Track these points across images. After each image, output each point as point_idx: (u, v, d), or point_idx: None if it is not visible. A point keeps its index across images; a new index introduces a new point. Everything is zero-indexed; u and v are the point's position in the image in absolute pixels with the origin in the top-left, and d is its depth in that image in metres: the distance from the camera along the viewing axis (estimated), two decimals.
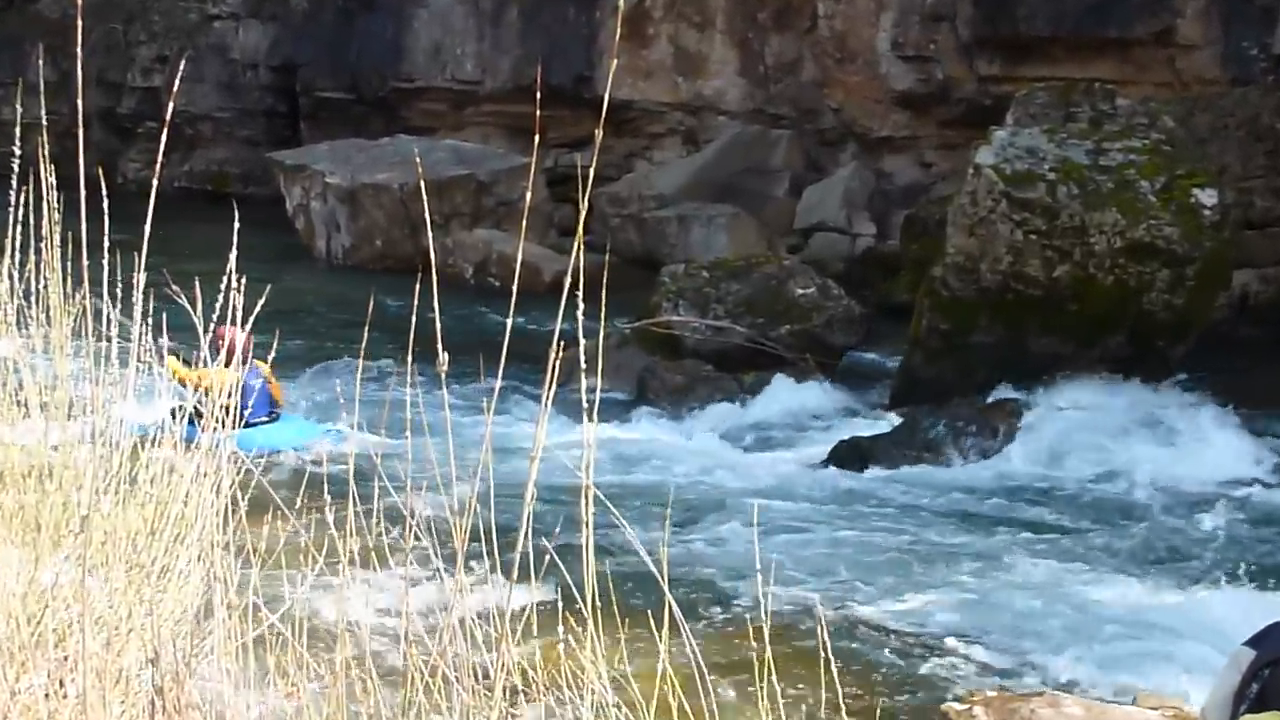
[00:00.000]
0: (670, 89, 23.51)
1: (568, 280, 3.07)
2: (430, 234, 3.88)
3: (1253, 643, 2.38)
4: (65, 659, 3.80)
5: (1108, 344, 13.54)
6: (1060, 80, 16.66)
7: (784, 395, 14.32)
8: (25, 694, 3.61)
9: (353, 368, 4.38)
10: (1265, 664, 2.26)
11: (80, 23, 4.64)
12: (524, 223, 3.93)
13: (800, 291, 15.57)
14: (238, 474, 4.06)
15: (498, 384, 3.20)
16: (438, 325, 3.31)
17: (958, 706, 5.85)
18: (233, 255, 3.92)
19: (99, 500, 4.11)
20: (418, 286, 3.63)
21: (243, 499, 4.11)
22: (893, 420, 13.53)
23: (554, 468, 3.50)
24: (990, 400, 13.39)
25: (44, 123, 4.64)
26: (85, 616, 3.44)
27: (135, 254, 4.08)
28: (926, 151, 21.30)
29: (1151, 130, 14.15)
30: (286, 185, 23.08)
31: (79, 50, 4.48)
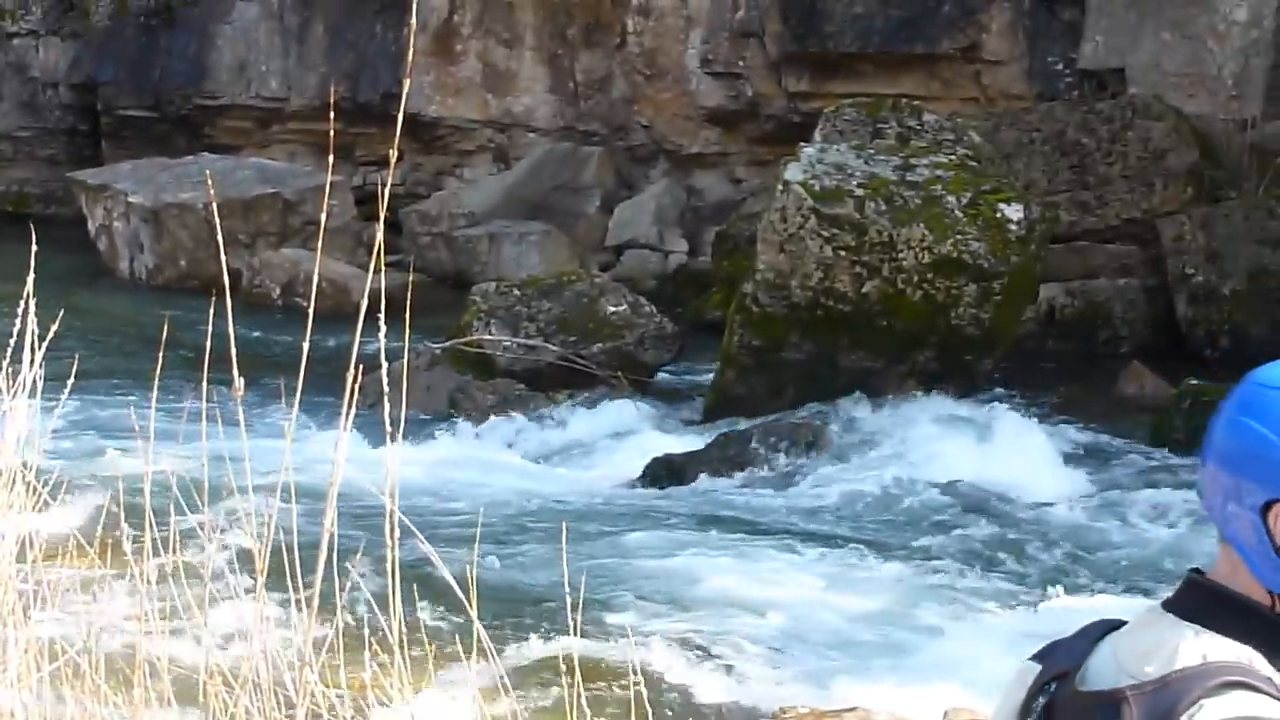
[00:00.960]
0: (480, 106, 23.08)
1: (363, 301, 3.07)
2: (224, 255, 3.85)
3: (1038, 657, 2.21)
4: None
5: (917, 359, 13.59)
6: (868, 96, 16.84)
7: (597, 413, 14.19)
8: None
9: (149, 390, 4.27)
10: (1050, 678, 2.10)
11: None
12: (320, 240, 3.97)
13: (612, 309, 15.50)
14: (34, 505, 3.98)
15: (296, 406, 3.16)
16: (233, 347, 3.25)
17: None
18: (30, 277, 3.89)
19: None
20: (212, 308, 3.66)
21: (38, 532, 4.02)
22: (706, 436, 13.35)
23: (362, 491, 3.47)
24: (801, 416, 13.29)
25: None
26: None
27: None
28: (737, 168, 21.24)
29: (958, 146, 14.37)
30: (88, 205, 22.54)
31: None
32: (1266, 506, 1.76)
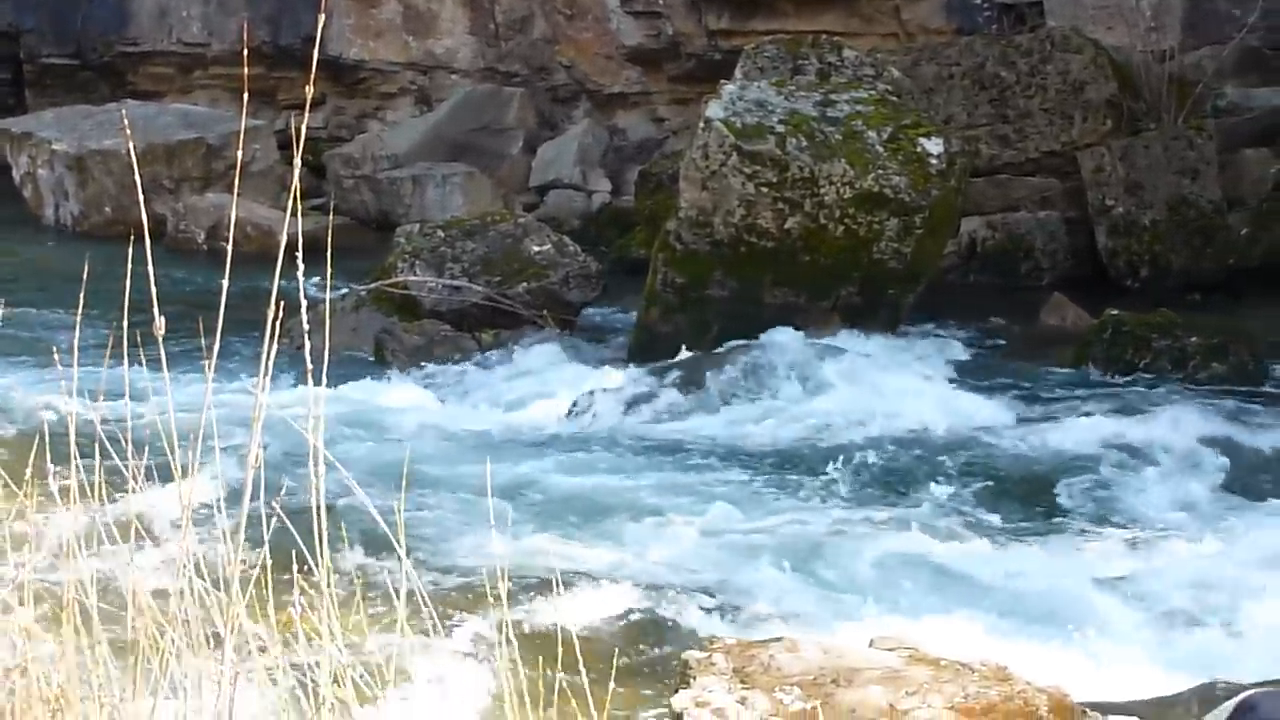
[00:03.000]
0: (401, 49, 23.07)
1: (283, 241, 3.01)
2: (144, 201, 3.63)
3: (1249, 706, 2.54)
4: None
5: (840, 294, 13.58)
6: (788, 34, 16.59)
7: (523, 353, 14.10)
8: None
9: (71, 332, 4.20)
10: None
11: None
12: (236, 183, 3.87)
13: (536, 249, 15.35)
14: None
15: (216, 345, 3.12)
16: (153, 288, 3.18)
17: (698, 655, 5.55)
18: None
19: None
20: (131, 251, 3.56)
21: None
22: (631, 374, 13.27)
23: (285, 429, 3.45)
24: (726, 350, 13.15)
25: None
26: None
27: None
28: (659, 107, 21.29)
29: (878, 81, 14.37)
30: (12, 154, 22.31)
31: None
32: None
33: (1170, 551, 9.19)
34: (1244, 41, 16.20)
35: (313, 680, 3.26)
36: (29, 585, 3.70)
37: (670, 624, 8.01)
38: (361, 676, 3.31)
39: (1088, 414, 12.01)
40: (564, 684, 3.52)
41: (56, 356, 4.49)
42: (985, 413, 12.10)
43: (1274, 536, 9.35)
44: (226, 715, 2.97)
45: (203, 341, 3.03)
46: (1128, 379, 12.76)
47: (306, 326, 3.13)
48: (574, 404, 12.47)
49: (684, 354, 13.26)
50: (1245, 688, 5.93)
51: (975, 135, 15.66)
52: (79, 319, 4.14)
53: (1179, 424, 11.49)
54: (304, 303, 2.99)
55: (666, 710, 5.16)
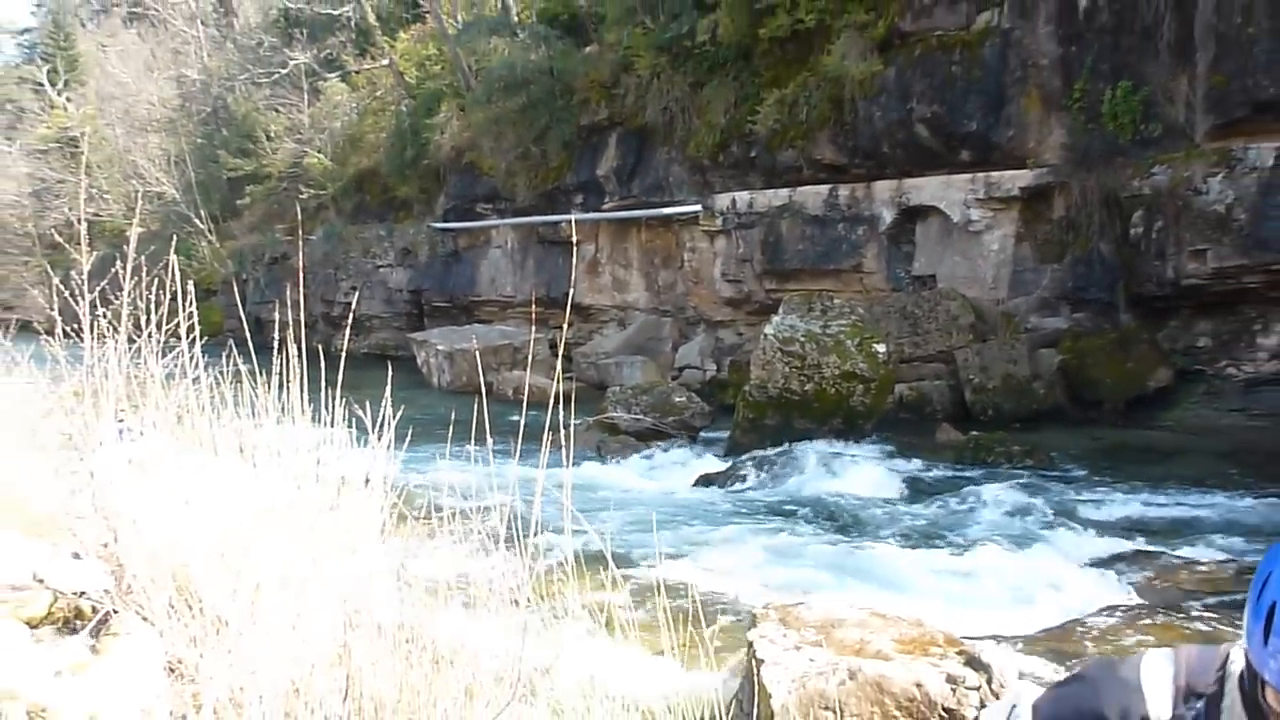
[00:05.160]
0: (610, 298, 24.85)
1: (552, 395, 3.22)
2: (482, 373, 4.40)
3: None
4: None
5: (832, 423, 14.69)
6: (807, 291, 18.12)
7: (670, 452, 15.18)
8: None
9: (445, 444, 4.10)
10: None
11: (303, 271, 4.98)
12: (529, 365, 4.03)
13: (678, 399, 16.71)
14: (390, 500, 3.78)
15: (517, 450, 3.17)
16: (486, 420, 3.35)
17: (759, 610, 5.85)
18: (387, 388, 3.72)
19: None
20: (478, 402, 3.65)
21: (394, 509, 3.85)
22: (726, 463, 14.21)
23: (552, 493, 3.42)
24: (775, 453, 14.09)
25: (289, 321, 4.13)
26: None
27: (334, 387, 3.86)
28: (741, 327, 21.86)
29: (853, 315, 15.37)
30: (417, 349, 24.90)
31: (300, 281, 4.74)
32: None
33: (1001, 556, 9.84)
34: (1039, 294, 17.38)
35: (564, 614, 3.27)
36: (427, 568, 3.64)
37: (745, 595, 8.59)
38: (587, 610, 3.34)
39: (958, 483, 12.89)
40: (691, 623, 3.44)
41: (437, 458, 4.36)
42: (906, 484, 13.10)
43: (1061, 549, 10.10)
44: (520, 633, 2.82)
45: (516, 444, 3.20)
46: (982, 468, 13.77)
47: (565, 440, 3.16)
48: (697, 479, 13.63)
49: (753, 453, 14.29)
50: (1036, 636, 7.56)
51: (901, 342, 16.72)
52: (450, 435, 3.98)
53: (1005, 491, 12.42)
54: (562, 427, 3.13)
55: (745, 640, 5.40)
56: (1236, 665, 1.52)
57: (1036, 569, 9.36)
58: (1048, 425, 15.82)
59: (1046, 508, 11.81)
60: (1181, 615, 8.66)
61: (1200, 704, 1.49)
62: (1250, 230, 14.87)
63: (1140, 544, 10.38)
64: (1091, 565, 9.52)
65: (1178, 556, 10.12)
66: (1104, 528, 10.42)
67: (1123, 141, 16.15)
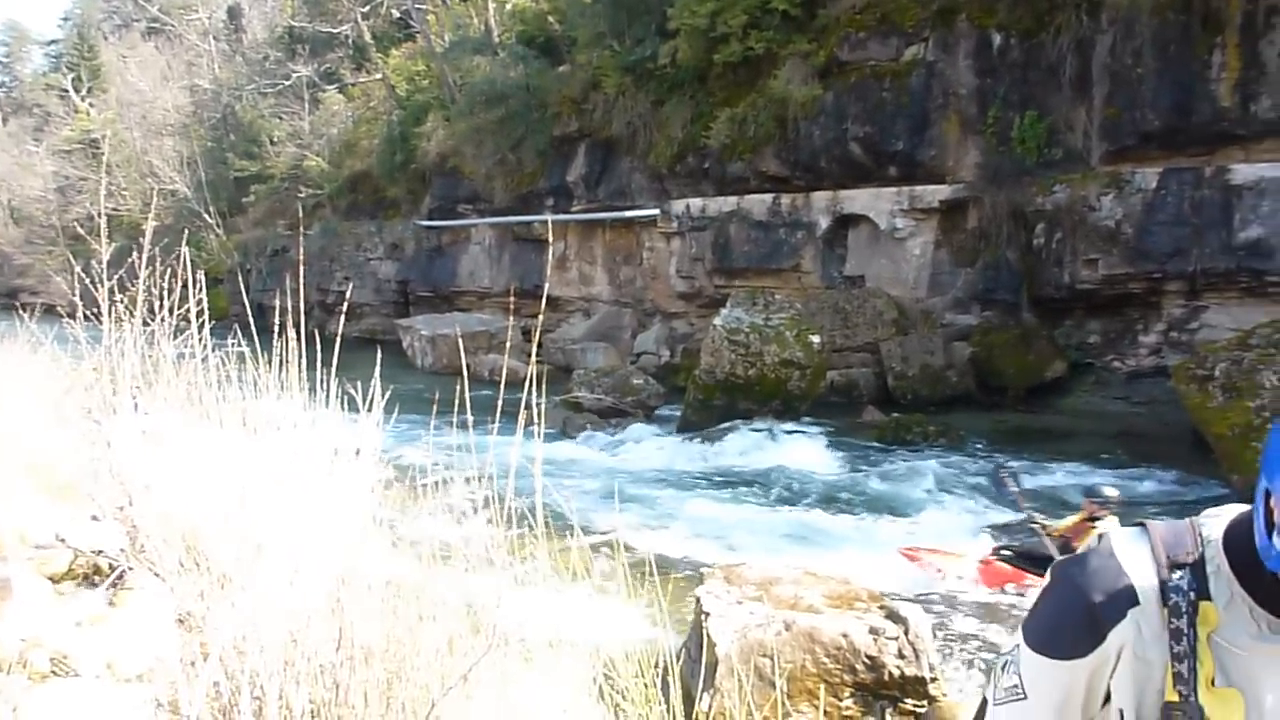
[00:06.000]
0: (577, 290, 24.56)
1: (527, 376, 3.14)
2: (463, 356, 3.65)
3: None
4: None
5: (772, 405, 14.64)
6: (752, 287, 18.03)
7: (629, 429, 15.18)
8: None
9: (428, 419, 3.61)
10: None
11: (301, 263, 5.09)
12: (507, 351, 3.96)
13: (636, 382, 16.74)
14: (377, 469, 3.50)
15: (495, 427, 3.04)
16: (467, 398, 3.14)
17: (707, 569, 5.81)
18: (376, 369, 3.61)
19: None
20: (459, 382, 3.32)
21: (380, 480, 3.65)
22: (677, 439, 14.44)
23: (524, 465, 3.09)
24: (723, 429, 14.22)
25: (288, 307, 3.77)
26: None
27: (328, 367, 3.71)
28: (693, 319, 21.56)
29: (791, 309, 15.46)
30: (403, 335, 24.48)
31: (300, 271, 4.61)
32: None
33: (918, 522, 10.03)
34: (954, 294, 17.46)
35: (534, 572, 3.17)
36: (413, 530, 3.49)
37: (694, 555, 8.72)
38: (554, 569, 3.24)
39: (881, 459, 13.08)
40: (646, 580, 3.33)
41: (420, 432, 3.85)
42: (836, 459, 13.20)
43: (969, 516, 10.25)
44: (495, 589, 2.78)
45: (494, 420, 3.02)
46: (902, 445, 13.84)
47: (537, 417, 3.12)
48: (654, 451, 13.88)
49: (702, 430, 14.42)
50: (948, 591, 7.64)
51: (833, 334, 16.65)
52: (434, 411, 3.57)
53: (922, 465, 12.67)
54: (535, 405, 3.07)
55: (694, 596, 5.31)
56: (1211, 531, 1.39)
57: (948, 533, 9.40)
58: (960, 409, 15.93)
59: (958, 481, 11.96)
60: None
61: (1185, 572, 1.35)
62: (1135, 243, 15.19)
63: (1037, 511, 10.25)
64: (995, 530, 9.59)
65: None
66: (1007, 498, 10.24)
67: (1029, 163, 16.42)
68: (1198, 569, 1.37)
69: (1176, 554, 1.39)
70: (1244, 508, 1.39)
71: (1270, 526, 1.29)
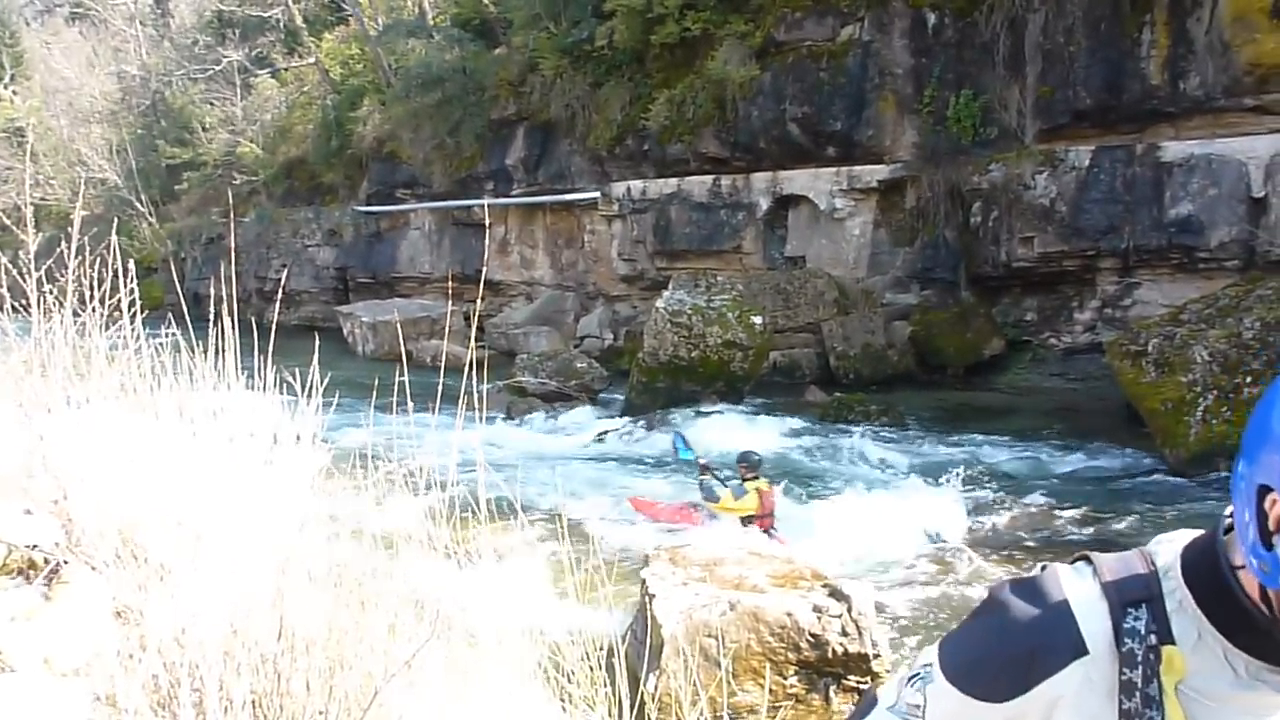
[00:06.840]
0: (519, 274, 24.60)
1: (467, 362, 3.13)
2: (402, 343, 3.83)
3: None
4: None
5: (715, 386, 14.79)
6: (694, 269, 18.44)
7: (573, 412, 15.30)
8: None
9: (368, 405, 3.90)
10: None
11: (236, 250, 4.72)
12: (447, 336, 3.36)
13: (579, 365, 16.75)
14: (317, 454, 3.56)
15: (435, 410, 3.14)
16: (408, 385, 3.28)
17: (651, 551, 5.81)
18: (315, 356, 3.52)
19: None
20: (398, 367, 3.59)
21: (319, 466, 3.68)
22: (622, 421, 14.54)
23: (466, 447, 3.37)
24: (666, 411, 14.37)
25: (224, 295, 3.74)
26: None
27: (266, 355, 3.65)
28: (636, 301, 21.58)
29: (733, 291, 15.54)
30: (343, 322, 24.47)
31: (234, 259, 4.82)
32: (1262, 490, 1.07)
33: (860, 500, 10.01)
34: (893, 274, 17.58)
35: (477, 557, 3.19)
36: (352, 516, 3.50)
37: (639, 537, 8.73)
38: (498, 554, 3.27)
39: (823, 439, 13.21)
40: (591, 563, 3.34)
41: (361, 418, 4.21)
42: (778, 438, 13.22)
43: (911, 493, 10.20)
44: (438, 574, 2.84)
45: (434, 406, 3.15)
46: (844, 424, 13.98)
47: (479, 401, 3.15)
48: (598, 435, 13.88)
49: (646, 412, 14.54)
50: (889, 569, 7.81)
51: (775, 315, 16.54)
52: (373, 397, 3.86)
53: (864, 443, 12.84)
54: (477, 391, 3.10)
55: (639, 578, 5.31)
56: (1165, 560, 1.18)
57: (889, 511, 9.45)
58: (900, 387, 16.16)
59: (899, 458, 12.15)
60: (1012, 546, 9.07)
61: (1142, 610, 1.15)
62: (1070, 221, 15.33)
63: (977, 488, 10.65)
64: (937, 507, 9.67)
65: (1009, 497, 10.47)
66: (947, 474, 10.57)
67: (965, 142, 16.47)
68: (1156, 606, 1.18)
69: (1129, 591, 1.19)
70: (1196, 532, 1.22)
71: (1266, 533, 1.09)
